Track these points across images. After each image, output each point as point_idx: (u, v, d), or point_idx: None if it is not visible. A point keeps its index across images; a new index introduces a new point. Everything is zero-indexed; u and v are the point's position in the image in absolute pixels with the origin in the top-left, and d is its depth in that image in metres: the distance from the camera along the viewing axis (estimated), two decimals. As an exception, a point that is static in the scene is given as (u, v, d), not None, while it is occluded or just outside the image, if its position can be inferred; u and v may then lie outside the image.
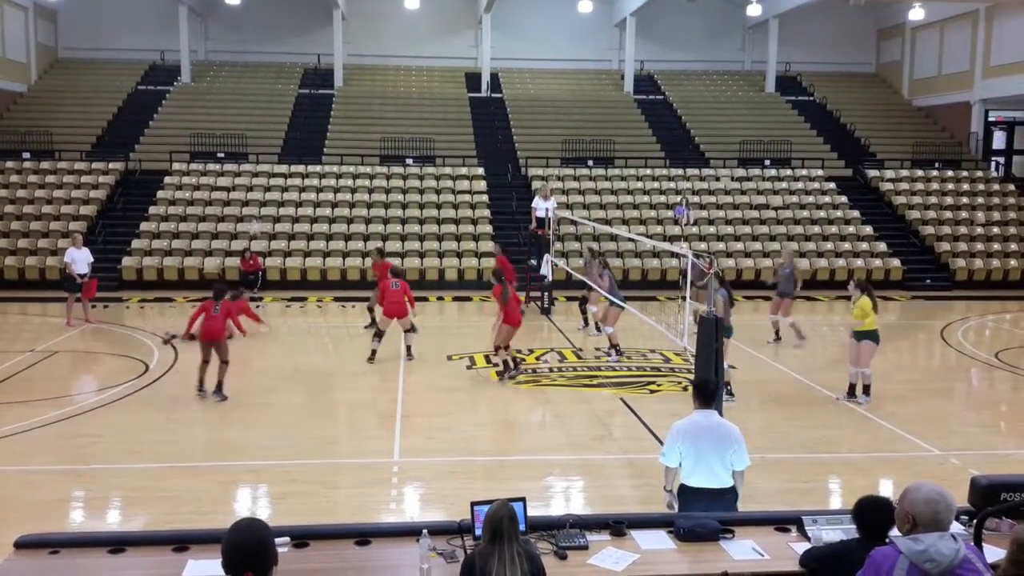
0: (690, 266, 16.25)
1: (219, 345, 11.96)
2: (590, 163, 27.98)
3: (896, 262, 24.25)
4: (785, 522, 5.22)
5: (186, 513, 7.96)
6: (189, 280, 22.38)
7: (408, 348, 14.55)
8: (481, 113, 30.94)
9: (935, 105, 31.85)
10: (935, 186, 27.94)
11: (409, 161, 27.55)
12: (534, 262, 20.01)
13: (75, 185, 25.44)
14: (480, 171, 27.44)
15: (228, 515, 7.91)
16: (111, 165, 26.45)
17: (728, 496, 6.02)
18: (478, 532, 4.57)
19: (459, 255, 23.72)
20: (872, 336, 11.76)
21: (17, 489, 8.61)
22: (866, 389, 11.80)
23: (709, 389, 6.26)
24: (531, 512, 4.88)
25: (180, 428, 10.90)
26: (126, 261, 22.58)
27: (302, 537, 4.89)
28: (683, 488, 6.11)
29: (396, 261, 21.79)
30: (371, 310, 16.85)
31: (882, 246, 24.86)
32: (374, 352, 14.38)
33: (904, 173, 28.51)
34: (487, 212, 25.62)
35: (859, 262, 24.05)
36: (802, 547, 4.77)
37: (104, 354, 15.37)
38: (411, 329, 14.68)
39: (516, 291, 14.02)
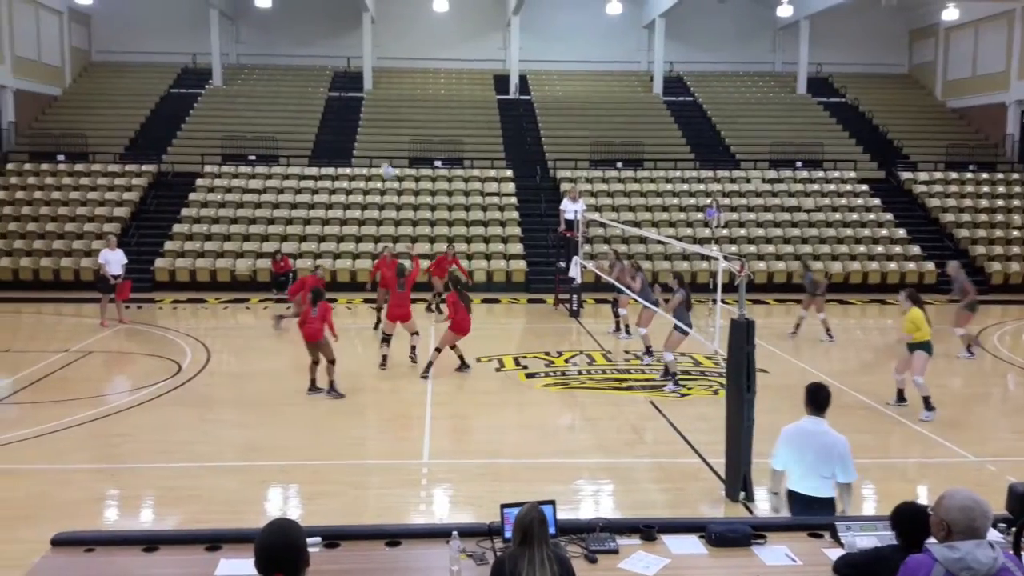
0: (807, 279, 16.27)
1: (320, 345, 12.19)
2: (619, 165, 27.91)
3: (930, 265, 23.91)
4: (818, 528, 5.15)
5: (218, 512, 8.02)
6: (221, 281, 22.62)
7: (412, 348, 14.36)
8: (509, 115, 30.96)
9: (969, 106, 31.43)
10: (970, 188, 27.56)
11: (438, 163, 27.62)
12: (563, 264, 19.98)
13: (109, 187, 25.78)
14: (508, 173, 27.45)
15: (260, 514, 7.98)
16: (144, 167, 26.76)
17: (821, 507, 5.97)
18: (508, 534, 4.55)
19: (488, 257, 23.74)
20: (925, 347, 11.56)
21: (53, 487, 8.73)
22: (926, 402, 11.43)
23: (822, 396, 6.11)
24: (561, 515, 4.87)
25: (212, 428, 11.00)
26: (159, 262, 22.83)
27: (333, 537, 4.90)
28: (788, 491, 6.20)
29: (424, 264, 21.84)
30: (379, 310, 16.79)
31: (916, 249, 24.55)
32: (385, 358, 14.30)
33: (938, 175, 28.15)
34: (515, 214, 25.63)
35: (892, 265, 23.79)
36: (835, 553, 4.71)
37: (137, 354, 15.54)
38: (416, 332, 14.50)
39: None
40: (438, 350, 13.56)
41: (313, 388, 12.35)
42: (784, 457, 6.16)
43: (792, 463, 6.10)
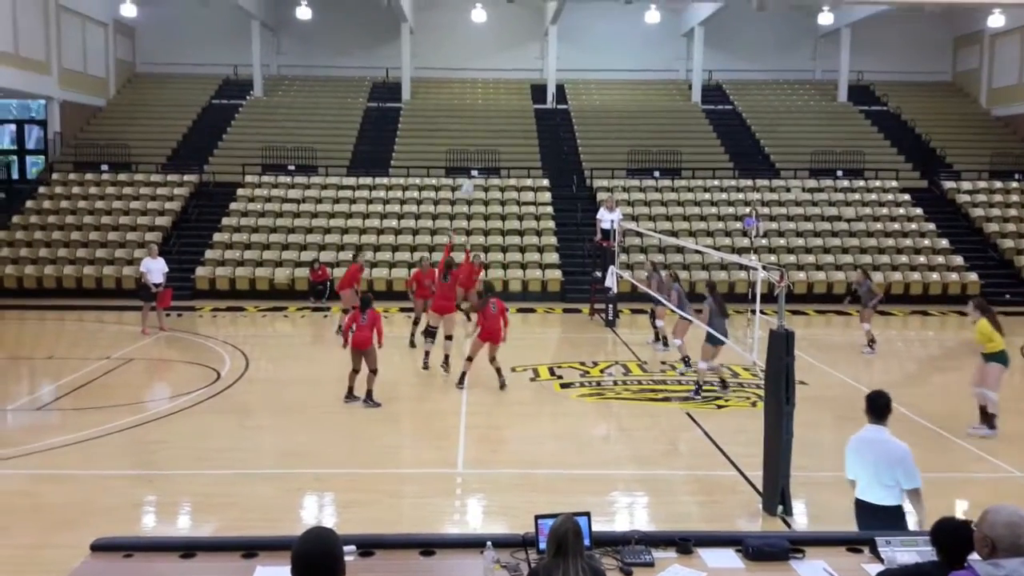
0: (865, 286, 15.89)
1: (367, 353, 12.22)
2: (656, 174, 27.79)
3: (973, 276, 23.51)
4: (858, 543, 5.07)
5: (254, 520, 8.06)
6: (260, 290, 22.87)
7: (446, 357, 14.29)
8: (546, 124, 30.98)
9: (1015, 114, 30.82)
10: (1015, 198, 27.05)
11: (474, 173, 27.69)
12: (599, 274, 19.93)
13: (151, 197, 26.19)
14: (545, 182, 27.46)
15: (296, 522, 8.02)
16: (186, 177, 27.17)
17: (887, 515, 5.94)
18: (542, 546, 4.53)
19: (523, 266, 23.74)
20: (999, 358, 10.94)
21: (93, 493, 8.85)
22: (991, 420, 10.90)
23: (880, 403, 6.08)
24: (595, 527, 4.83)
25: (250, 435, 11.10)
26: (199, 271, 23.14)
27: (368, 546, 4.91)
28: (855, 500, 6.18)
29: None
30: (416, 323, 16.81)
31: (958, 259, 24.15)
32: (427, 354, 14.34)
33: (982, 184, 27.68)
34: (552, 224, 25.61)
35: (934, 276, 23.42)
36: (875, 569, 4.63)
37: (177, 362, 15.75)
38: (450, 336, 14.51)
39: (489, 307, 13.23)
40: (469, 359, 13.50)
41: (350, 396, 12.40)
42: (853, 467, 6.16)
43: (859, 472, 6.10)
